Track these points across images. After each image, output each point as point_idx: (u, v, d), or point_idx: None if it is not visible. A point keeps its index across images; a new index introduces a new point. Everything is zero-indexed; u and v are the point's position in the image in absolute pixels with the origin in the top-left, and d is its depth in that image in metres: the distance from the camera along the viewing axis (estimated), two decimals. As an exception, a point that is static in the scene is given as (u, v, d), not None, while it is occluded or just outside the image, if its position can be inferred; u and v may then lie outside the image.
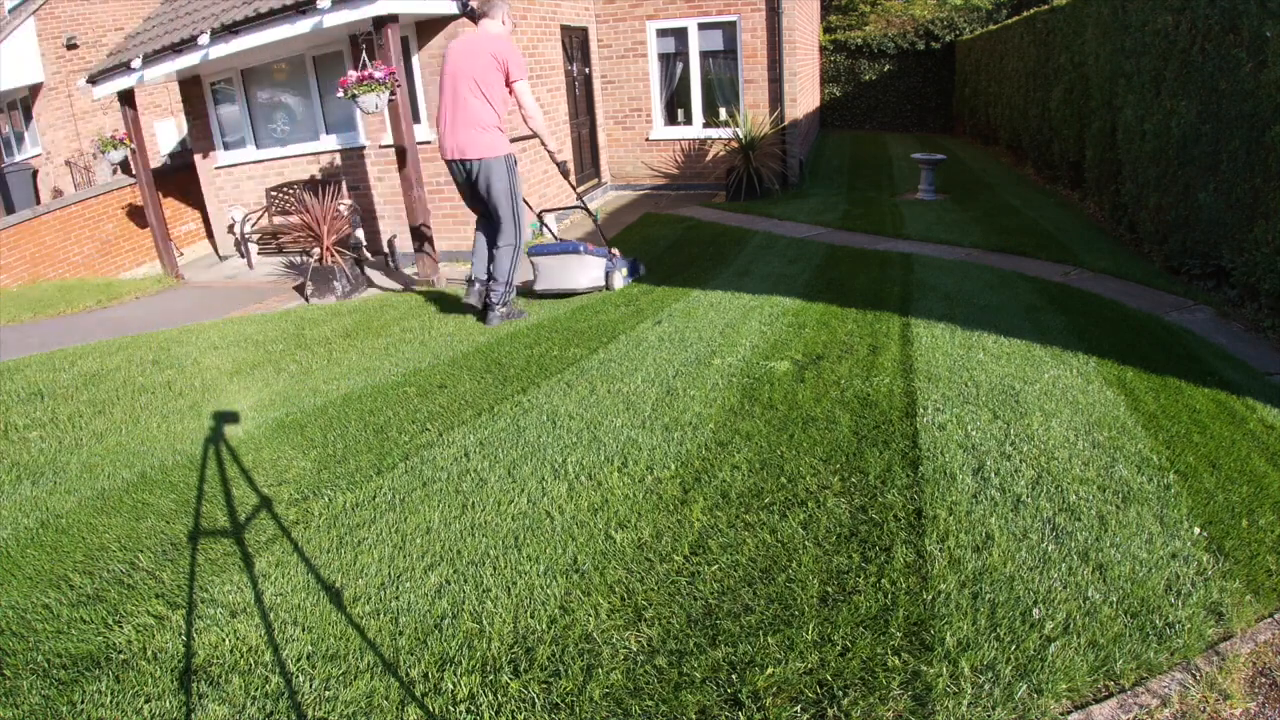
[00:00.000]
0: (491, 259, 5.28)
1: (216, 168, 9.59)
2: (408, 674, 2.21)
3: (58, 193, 14.75)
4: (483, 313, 5.49)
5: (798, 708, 2.02)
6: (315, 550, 2.86)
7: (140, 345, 5.99)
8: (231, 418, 4.29)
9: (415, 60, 7.78)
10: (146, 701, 2.15)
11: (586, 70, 10.73)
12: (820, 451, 3.30)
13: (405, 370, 4.83)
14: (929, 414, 3.56)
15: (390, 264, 8.59)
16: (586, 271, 6.10)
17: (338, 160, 8.72)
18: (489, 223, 5.25)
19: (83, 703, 2.16)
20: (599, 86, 10.99)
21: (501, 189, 5.06)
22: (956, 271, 6.31)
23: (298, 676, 2.23)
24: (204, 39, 7.16)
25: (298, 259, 8.61)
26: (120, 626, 2.48)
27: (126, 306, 8.13)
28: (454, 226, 8.22)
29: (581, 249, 6.12)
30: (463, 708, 2.08)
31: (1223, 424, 3.42)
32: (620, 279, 6.29)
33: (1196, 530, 2.65)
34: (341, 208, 7.77)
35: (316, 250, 7.42)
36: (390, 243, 8.58)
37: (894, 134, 18.03)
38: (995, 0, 17.74)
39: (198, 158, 9.74)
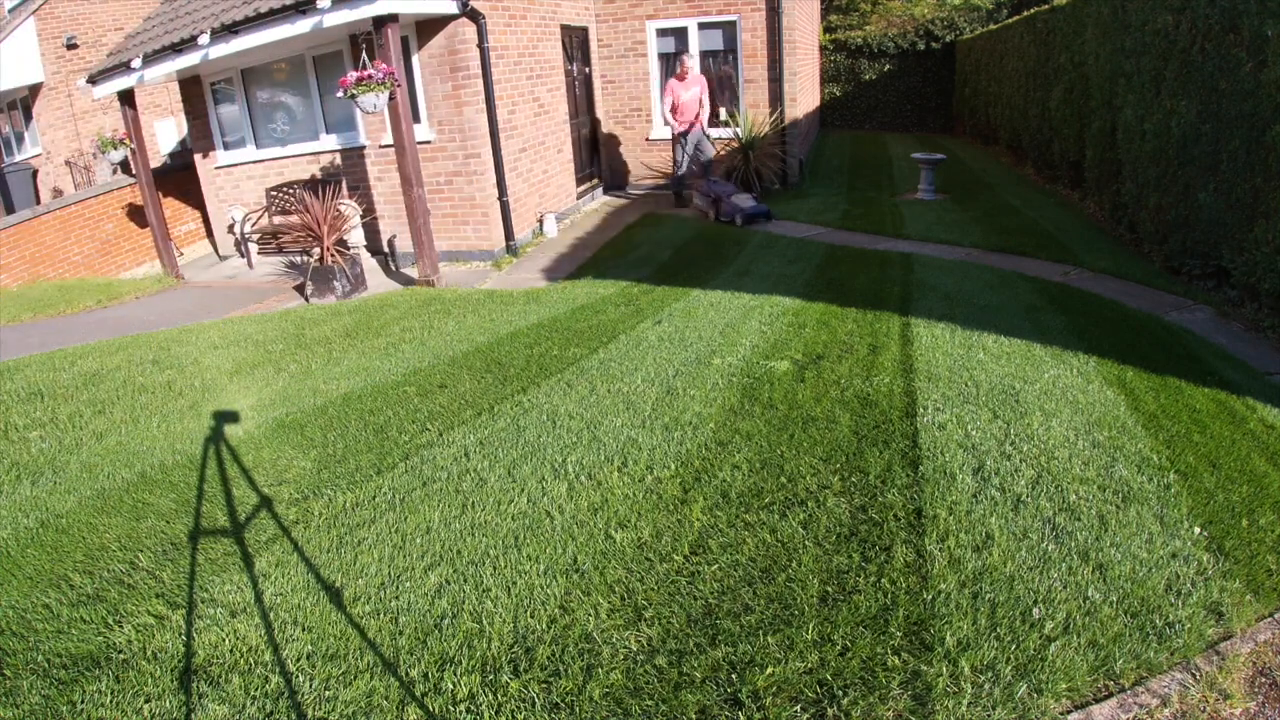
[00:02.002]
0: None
1: (216, 167, 9.58)
2: (408, 674, 2.21)
3: (58, 192, 14.75)
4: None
5: (798, 707, 2.02)
6: (315, 550, 2.86)
7: (140, 345, 5.99)
8: (231, 417, 4.30)
9: (415, 60, 7.77)
10: (146, 701, 2.15)
11: (586, 70, 10.72)
12: (820, 451, 3.30)
13: (405, 370, 4.83)
14: (929, 414, 3.56)
15: (390, 264, 8.59)
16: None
17: (338, 160, 8.71)
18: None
19: (83, 703, 2.16)
20: (599, 86, 10.98)
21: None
22: (956, 271, 6.31)
23: (298, 676, 2.23)
24: (204, 39, 7.15)
25: (298, 259, 8.61)
26: (120, 626, 2.48)
27: (126, 306, 8.13)
28: (454, 226, 8.22)
29: (729, 190, 9.47)
30: (463, 707, 2.08)
31: (1223, 424, 3.43)
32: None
33: (1196, 530, 2.65)
34: (343, 208, 7.77)
35: (316, 250, 7.42)
36: (390, 243, 8.58)
37: (894, 134, 18.02)
38: (995, 0, 17.74)
39: (198, 157, 9.73)
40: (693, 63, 9.46)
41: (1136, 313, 5.17)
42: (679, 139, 9.76)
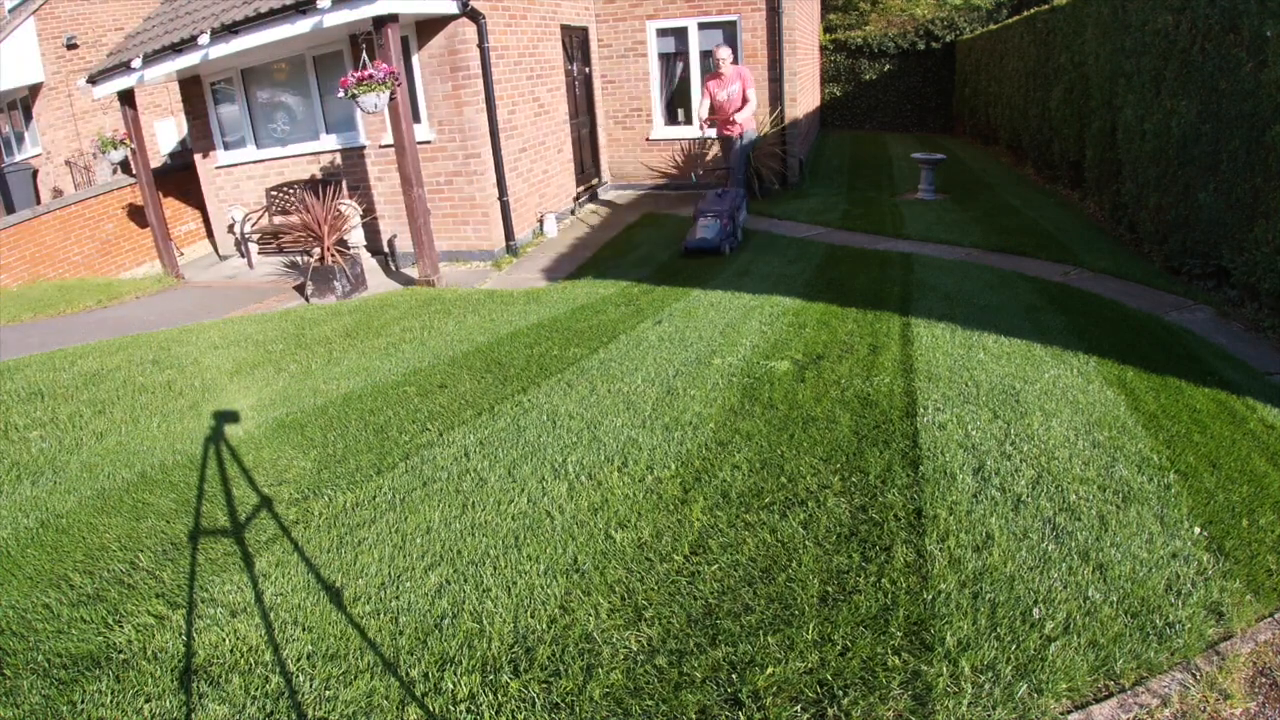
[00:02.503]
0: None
1: (216, 167, 9.58)
2: (408, 674, 2.21)
3: (58, 192, 14.75)
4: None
5: (798, 707, 2.02)
6: (315, 550, 2.86)
7: (140, 345, 5.99)
8: (231, 417, 4.29)
9: (415, 60, 7.77)
10: (147, 701, 2.15)
11: (586, 70, 10.72)
12: (820, 451, 3.30)
13: (405, 370, 4.83)
14: (929, 414, 3.56)
15: (390, 264, 8.59)
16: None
17: (338, 160, 8.71)
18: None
19: (83, 702, 2.16)
20: (599, 86, 10.97)
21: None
22: (956, 271, 6.31)
23: (298, 676, 2.23)
24: (204, 39, 7.15)
25: (298, 259, 8.61)
26: (120, 626, 2.48)
27: (126, 306, 8.13)
28: (454, 226, 8.21)
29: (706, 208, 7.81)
30: (463, 707, 2.08)
31: (1223, 424, 3.42)
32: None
33: (1197, 530, 2.65)
34: (343, 208, 7.76)
35: (317, 250, 7.42)
36: (390, 243, 8.58)
37: (894, 134, 18.02)
38: (995, 0, 17.74)
39: (198, 157, 9.73)
40: (725, 53, 8.46)
41: (1136, 313, 5.17)
42: (726, 143, 8.96)
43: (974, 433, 3.36)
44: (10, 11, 14.88)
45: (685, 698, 2.06)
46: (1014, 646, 2.16)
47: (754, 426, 3.57)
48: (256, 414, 4.33)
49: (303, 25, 6.80)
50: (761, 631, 2.28)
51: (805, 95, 12.35)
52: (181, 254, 10.32)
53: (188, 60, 7.59)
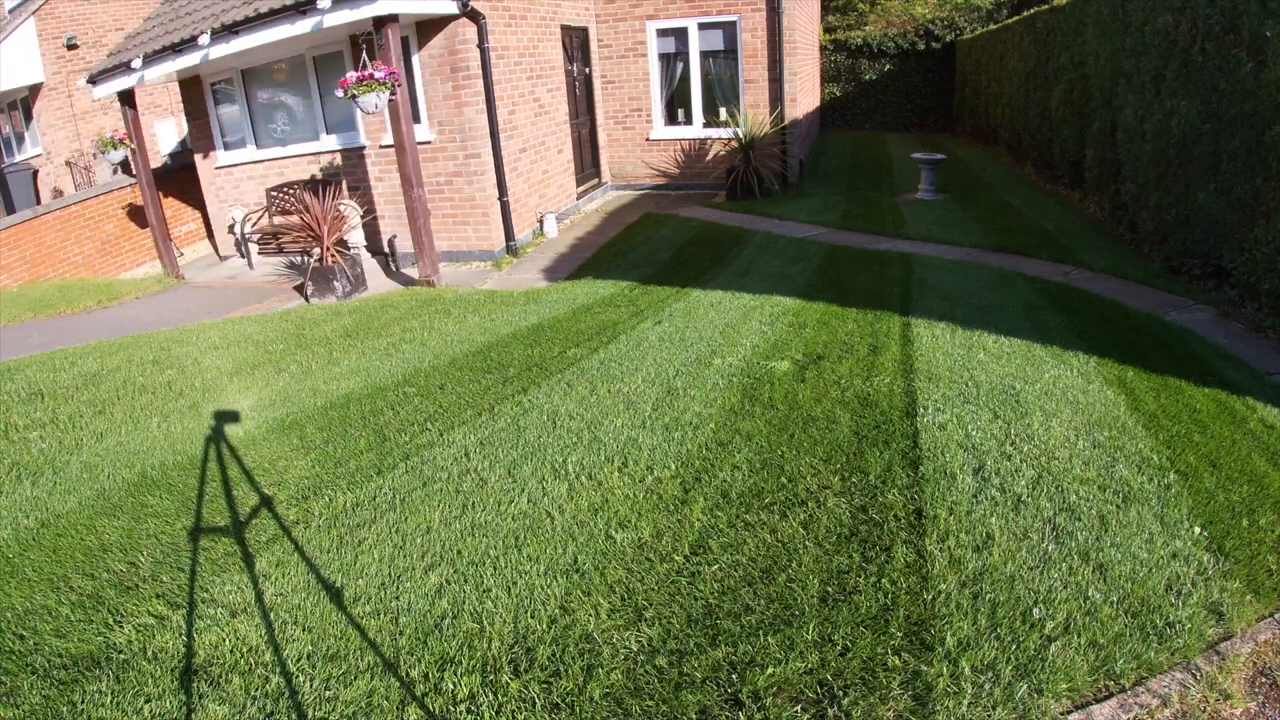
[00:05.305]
0: None
1: (217, 168, 9.58)
2: (408, 674, 2.21)
3: (58, 193, 14.75)
4: None
5: (798, 707, 2.02)
6: (315, 550, 2.86)
7: (140, 345, 5.99)
8: (232, 417, 4.29)
9: (415, 60, 7.78)
10: (147, 701, 2.15)
11: (587, 70, 10.72)
12: (821, 451, 3.30)
13: (405, 370, 4.83)
14: (929, 414, 3.56)
15: (390, 264, 8.59)
16: None
17: (338, 160, 8.71)
18: None
19: (83, 703, 2.16)
20: (599, 86, 10.98)
21: None
22: (956, 271, 6.31)
23: (298, 676, 2.23)
24: (204, 39, 7.15)
25: (298, 259, 8.61)
26: (120, 626, 2.48)
27: (127, 306, 8.13)
28: (454, 226, 8.21)
29: None
30: (463, 708, 2.08)
31: (1223, 424, 3.42)
32: None
33: (1197, 530, 2.65)
34: (343, 208, 7.76)
35: (317, 250, 7.42)
36: (390, 243, 8.58)
37: (894, 134, 18.01)
38: (995, 0, 17.74)
39: (198, 158, 9.74)
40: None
41: (1137, 312, 5.17)
42: None
43: (974, 433, 3.36)
44: (10, 12, 14.88)
45: (685, 698, 2.06)
46: (1014, 646, 2.16)
47: (754, 427, 3.57)
48: (257, 414, 4.33)
49: (303, 25, 6.80)
50: (762, 632, 2.28)
51: (805, 95, 12.35)
52: (182, 254, 10.32)
53: (188, 60, 7.59)
